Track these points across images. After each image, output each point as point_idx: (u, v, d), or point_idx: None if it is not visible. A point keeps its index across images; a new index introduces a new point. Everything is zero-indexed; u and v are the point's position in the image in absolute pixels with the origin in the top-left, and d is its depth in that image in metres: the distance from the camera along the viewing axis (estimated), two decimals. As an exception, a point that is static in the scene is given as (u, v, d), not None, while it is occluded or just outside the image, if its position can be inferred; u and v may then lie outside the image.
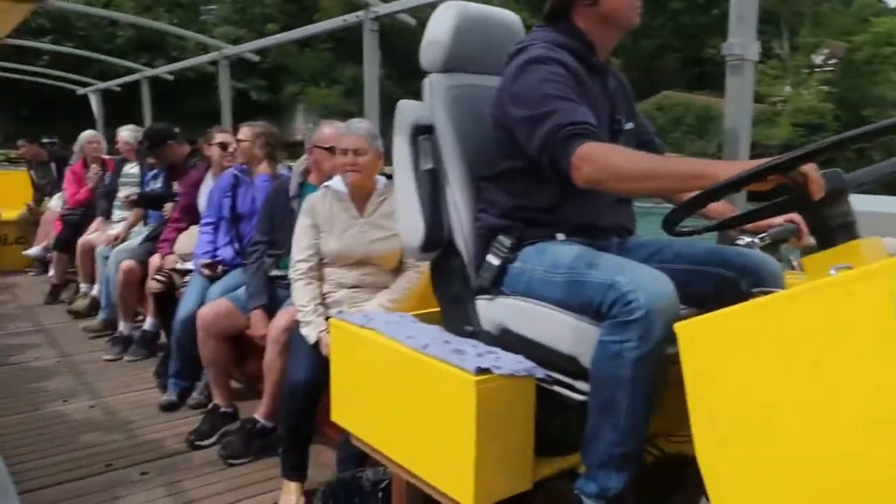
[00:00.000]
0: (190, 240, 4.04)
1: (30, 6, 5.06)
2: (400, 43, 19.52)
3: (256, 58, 4.95)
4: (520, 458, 1.64)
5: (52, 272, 6.00)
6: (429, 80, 2.00)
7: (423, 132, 1.95)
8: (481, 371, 1.55)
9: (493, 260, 1.83)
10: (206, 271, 3.53)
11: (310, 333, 2.53)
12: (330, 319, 2.13)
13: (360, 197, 2.69)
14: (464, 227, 1.92)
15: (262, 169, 3.59)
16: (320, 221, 2.68)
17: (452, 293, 1.95)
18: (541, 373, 1.65)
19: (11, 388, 3.81)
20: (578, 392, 1.64)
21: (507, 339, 1.78)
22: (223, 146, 3.98)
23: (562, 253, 1.71)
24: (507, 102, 1.74)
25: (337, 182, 2.70)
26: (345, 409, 2.07)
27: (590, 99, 1.73)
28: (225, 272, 3.54)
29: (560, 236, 1.81)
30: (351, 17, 3.68)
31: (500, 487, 1.61)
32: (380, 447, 1.92)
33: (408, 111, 1.97)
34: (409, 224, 1.94)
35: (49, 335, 4.89)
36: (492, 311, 1.84)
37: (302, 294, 2.63)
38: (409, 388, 1.77)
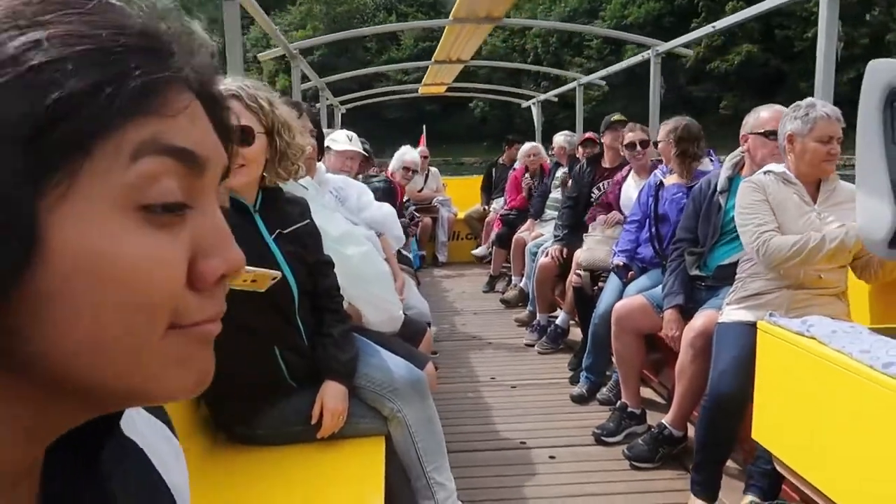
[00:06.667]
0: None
1: (489, 27, 5.81)
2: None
3: (690, 52, 4.76)
4: None
5: (490, 265, 6.74)
6: None
7: None
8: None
9: None
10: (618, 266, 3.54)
11: (838, 233, 2.15)
12: (759, 323, 1.85)
13: (811, 183, 2.34)
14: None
15: (673, 179, 3.42)
16: (772, 202, 2.35)
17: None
18: None
19: (451, 362, 4.34)
20: None
21: None
22: (631, 146, 3.90)
23: None
24: None
25: (778, 166, 2.38)
26: (768, 427, 1.79)
27: None
28: (633, 278, 3.49)
29: None
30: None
31: None
32: (809, 477, 1.59)
33: (882, 70, 1.58)
34: (872, 211, 1.55)
35: (483, 319, 5.48)
36: None
37: (783, 239, 2.24)
38: (859, 414, 1.41)
